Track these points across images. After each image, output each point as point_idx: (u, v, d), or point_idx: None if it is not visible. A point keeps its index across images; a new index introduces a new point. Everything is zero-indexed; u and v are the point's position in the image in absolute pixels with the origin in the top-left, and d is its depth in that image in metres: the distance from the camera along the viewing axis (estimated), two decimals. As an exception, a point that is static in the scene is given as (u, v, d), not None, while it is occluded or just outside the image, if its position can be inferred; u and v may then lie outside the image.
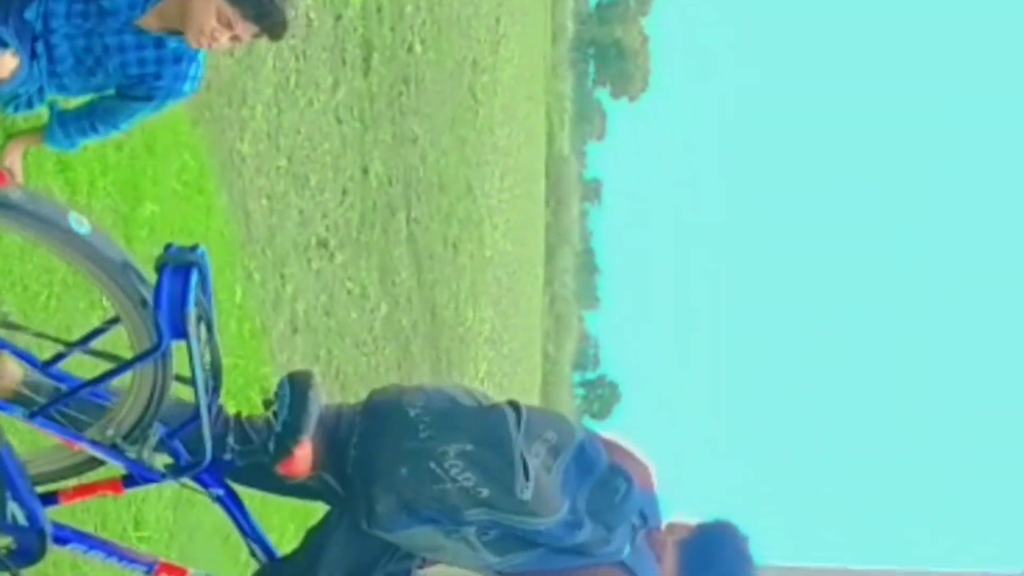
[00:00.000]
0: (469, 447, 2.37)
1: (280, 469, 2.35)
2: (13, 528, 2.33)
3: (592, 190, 73.44)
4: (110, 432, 2.33)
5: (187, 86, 2.88)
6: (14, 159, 2.90)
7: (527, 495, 2.32)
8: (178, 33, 2.77)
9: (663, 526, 2.52)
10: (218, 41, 2.71)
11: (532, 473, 2.35)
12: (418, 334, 10.87)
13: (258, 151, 5.78)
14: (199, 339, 2.11)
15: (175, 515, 3.76)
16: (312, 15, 6.82)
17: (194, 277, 2.07)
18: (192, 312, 2.06)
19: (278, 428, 2.33)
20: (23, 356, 2.37)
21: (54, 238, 2.01)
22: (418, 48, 10.88)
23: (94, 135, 3.00)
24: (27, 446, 2.52)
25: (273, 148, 6.10)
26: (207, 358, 2.18)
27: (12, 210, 1.96)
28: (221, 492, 2.49)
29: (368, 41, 8.64)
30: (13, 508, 2.30)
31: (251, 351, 5.24)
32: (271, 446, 2.33)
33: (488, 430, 2.41)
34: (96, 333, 2.31)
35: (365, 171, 8.62)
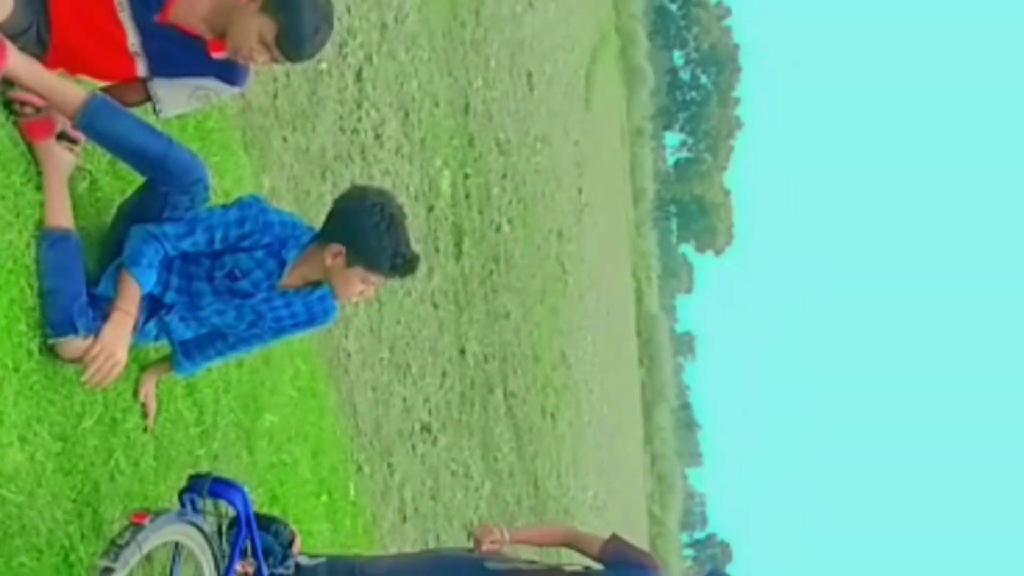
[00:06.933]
0: None
1: None
2: None
3: (685, 344, 73.00)
4: None
5: (331, 317, 3.18)
6: (148, 391, 3.11)
7: None
8: (318, 282, 3.03)
9: None
10: (365, 295, 3.05)
11: None
12: (523, 508, 10.81)
13: (362, 346, 5.99)
14: None
15: None
16: (406, 211, 7.13)
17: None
18: None
19: None
20: None
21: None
22: (506, 227, 11.20)
23: (221, 359, 3.20)
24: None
25: (376, 341, 6.31)
26: None
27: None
28: None
29: (459, 227, 8.95)
30: None
31: (364, 545, 5.31)
32: None
33: None
34: None
35: (462, 352, 8.79)
